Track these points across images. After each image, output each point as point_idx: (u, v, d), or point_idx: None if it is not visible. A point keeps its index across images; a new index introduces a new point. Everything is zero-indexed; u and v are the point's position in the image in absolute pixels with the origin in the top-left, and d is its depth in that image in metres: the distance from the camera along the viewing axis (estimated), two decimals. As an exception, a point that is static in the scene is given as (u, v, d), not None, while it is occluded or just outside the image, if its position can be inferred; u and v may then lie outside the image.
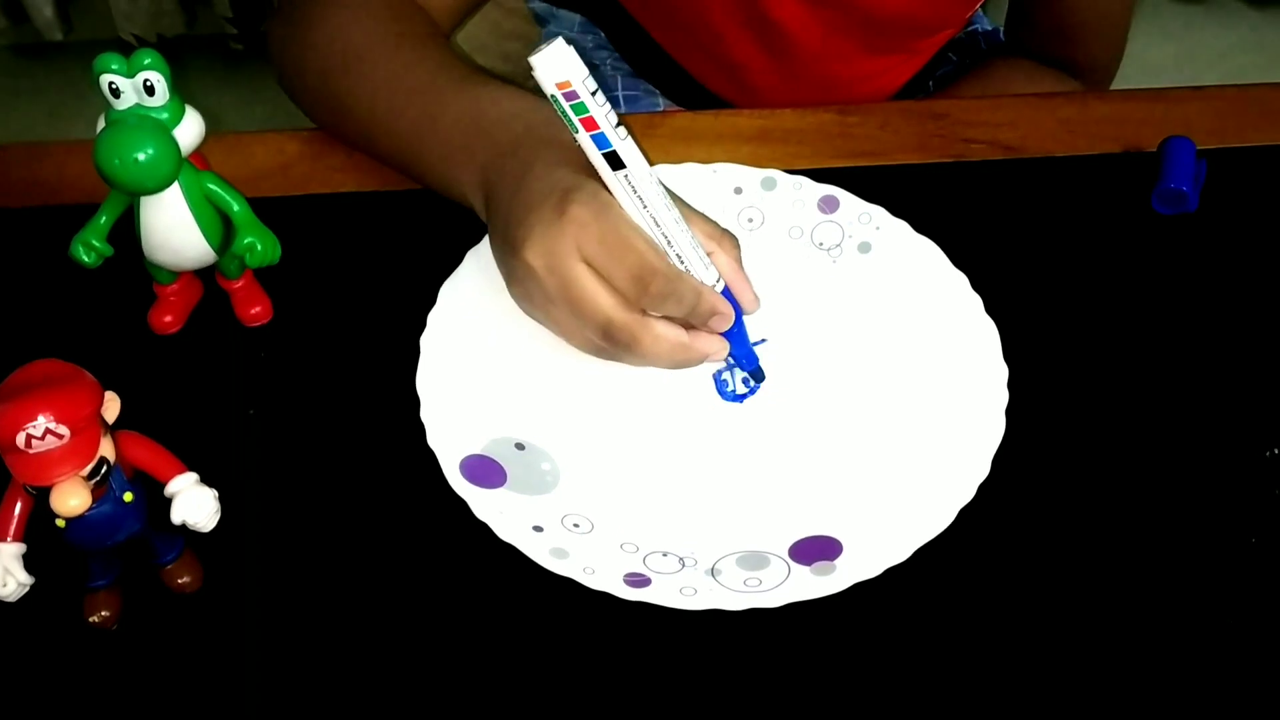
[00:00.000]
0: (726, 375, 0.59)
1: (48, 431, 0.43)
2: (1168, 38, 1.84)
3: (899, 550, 0.51)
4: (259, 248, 0.56)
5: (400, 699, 0.49)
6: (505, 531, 0.51)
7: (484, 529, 0.51)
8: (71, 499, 0.44)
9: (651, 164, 0.64)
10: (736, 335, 0.57)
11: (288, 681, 0.50)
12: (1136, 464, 0.57)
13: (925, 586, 0.52)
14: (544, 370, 0.59)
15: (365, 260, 0.64)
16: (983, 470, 0.53)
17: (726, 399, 0.58)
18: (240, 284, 0.61)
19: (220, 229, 0.57)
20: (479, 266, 0.60)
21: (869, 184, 0.65)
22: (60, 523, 0.46)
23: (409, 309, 0.59)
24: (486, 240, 0.61)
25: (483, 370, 0.57)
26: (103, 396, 0.45)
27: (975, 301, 0.60)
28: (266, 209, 0.58)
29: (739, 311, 0.57)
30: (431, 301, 0.59)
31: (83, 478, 0.45)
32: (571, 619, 0.51)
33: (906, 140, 0.70)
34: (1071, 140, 0.71)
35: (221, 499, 0.50)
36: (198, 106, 0.55)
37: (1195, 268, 0.65)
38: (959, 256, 0.62)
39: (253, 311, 0.61)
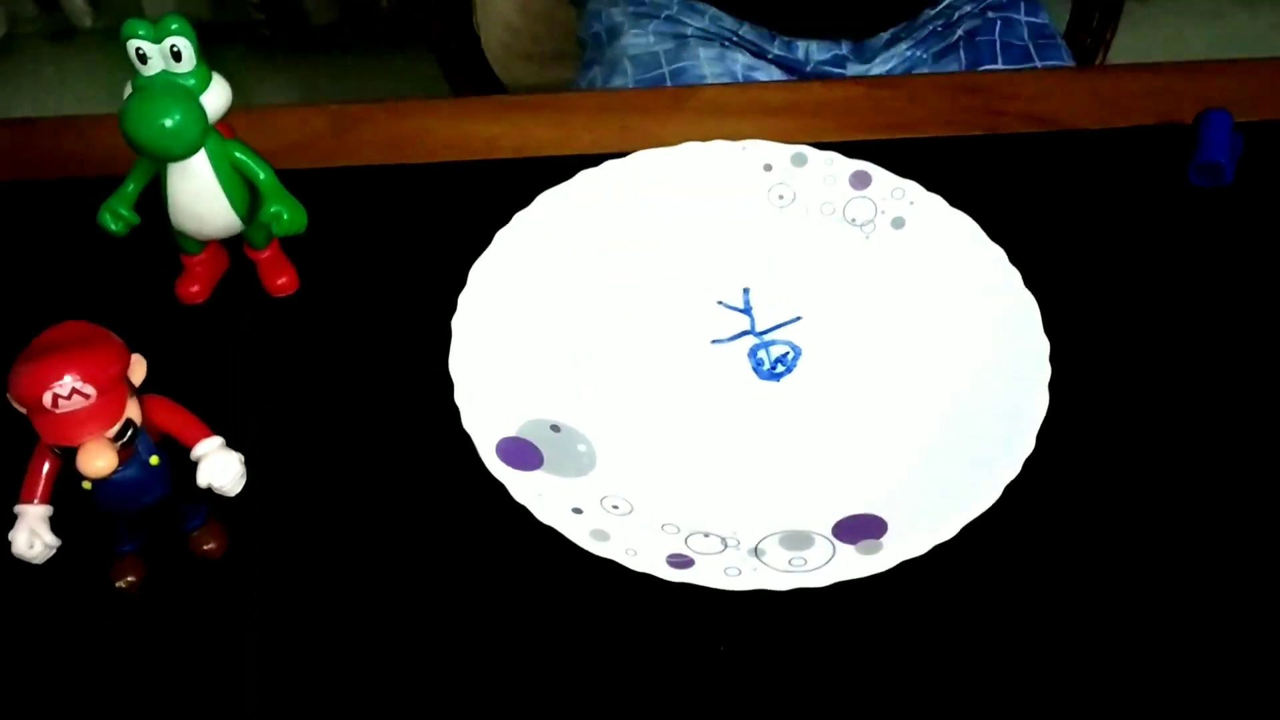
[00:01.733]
0: (762, 353, 0.58)
1: (74, 391, 0.43)
2: (1203, 21, 1.82)
3: (945, 528, 0.50)
4: (285, 216, 0.55)
5: (438, 683, 0.49)
6: (545, 514, 0.50)
7: (522, 512, 0.50)
8: (98, 460, 0.43)
9: (680, 140, 0.64)
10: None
11: (310, 656, 0.49)
12: (1180, 438, 0.56)
13: (973, 564, 0.51)
14: (578, 351, 0.58)
15: (394, 236, 0.64)
16: (1028, 445, 0.52)
17: (763, 378, 0.58)
18: (267, 254, 0.60)
19: (246, 198, 0.56)
20: (510, 247, 0.59)
21: (899, 157, 0.64)
22: (87, 485, 0.46)
23: (439, 289, 0.58)
24: (516, 220, 0.60)
25: (515, 352, 0.57)
26: (129, 358, 0.45)
27: (1014, 275, 0.59)
28: (293, 181, 0.57)
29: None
30: (462, 282, 0.58)
31: (109, 439, 0.44)
32: (615, 601, 0.50)
33: (937, 113, 0.69)
34: (1106, 113, 0.70)
35: (248, 467, 0.49)
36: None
37: (1231, 241, 0.64)
38: (994, 230, 0.61)
39: (279, 282, 0.60)
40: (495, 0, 1.18)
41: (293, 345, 0.59)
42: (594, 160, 0.63)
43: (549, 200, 0.61)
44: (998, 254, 0.60)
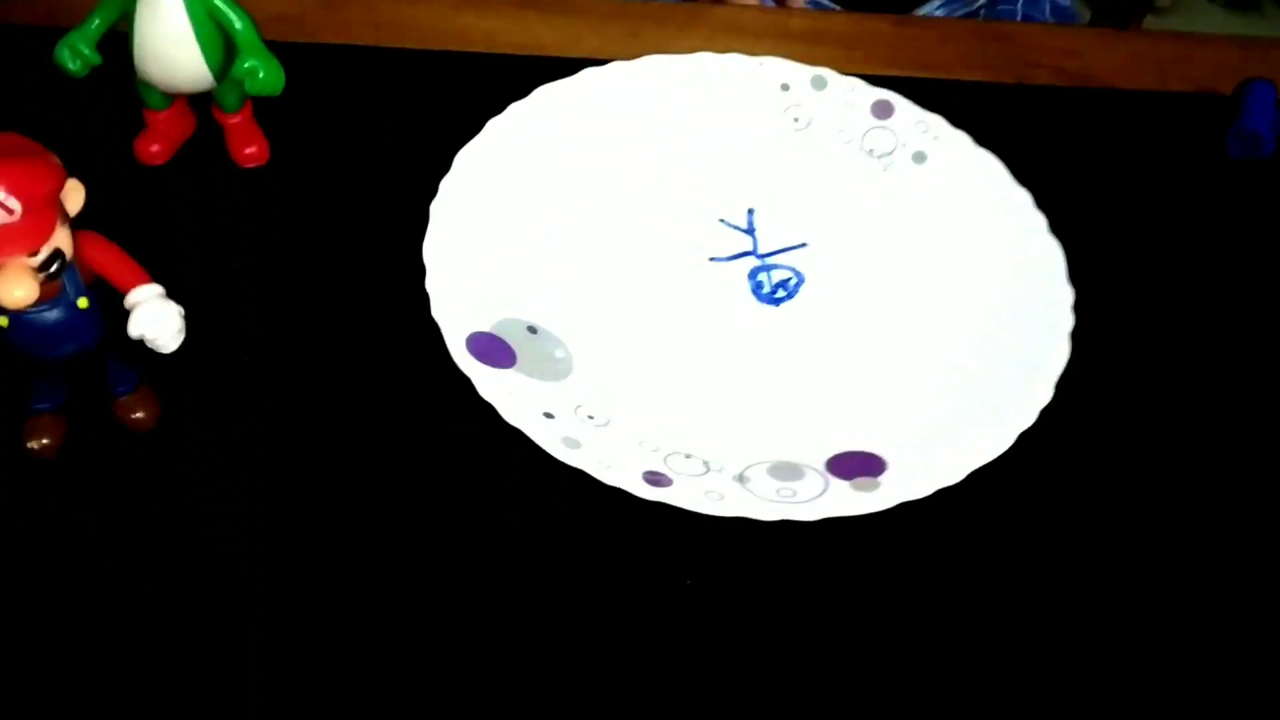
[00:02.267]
0: (763, 276, 0.54)
1: (-4, 202, 0.37)
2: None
3: (950, 471, 0.45)
4: (261, 73, 0.50)
5: (392, 590, 0.44)
6: (513, 415, 0.45)
7: (490, 411, 0.46)
8: (16, 289, 0.38)
9: (693, 51, 0.60)
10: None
11: (244, 548, 0.44)
12: (1203, 405, 0.52)
13: (976, 512, 0.47)
14: (565, 253, 0.53)
15: (377, 118, 0.59)
16: (1045, 394, 0.48)
17: (762, 301, 0.53)
18: (237, 119, 0.55)
19: (221, 50, 0.51)
20: (501, 137, 0.55)
21: (925, 96, 0.59)
22: (2, 320, 0.40)
23: (420, 175, 0.53)
24: (511, 110, 0.56)
25: (497, 245, 0.52)
26: (65, 180, 0.40)
27: (1039, 220, 0.54)
28: (274, 52, 0.52)
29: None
30: (445, 168, 0.53)
31: (32, 267, 0.39)
32: (584, 514, 0.46)
33: (967, 56, 0.65)
34: (1140, 75, 0.66)
35: (191, 331, 0.44)
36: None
37: (1267, 214, 0.60)
38: (1020, 177, 0.56)
39: (248, 151, 0.55)
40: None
41: (256, 219, 0.54)
42: (599, 64, 0.59)
43: (548, 94, 0.57)
44: (1024, 197, 0.55)
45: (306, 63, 0.58)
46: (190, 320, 0.44)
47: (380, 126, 0.59)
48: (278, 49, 0.53)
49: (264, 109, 0.56)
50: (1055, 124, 0.63)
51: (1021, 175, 0.56)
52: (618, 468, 0.45)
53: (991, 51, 0.66)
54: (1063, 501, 0.48)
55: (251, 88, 0.51)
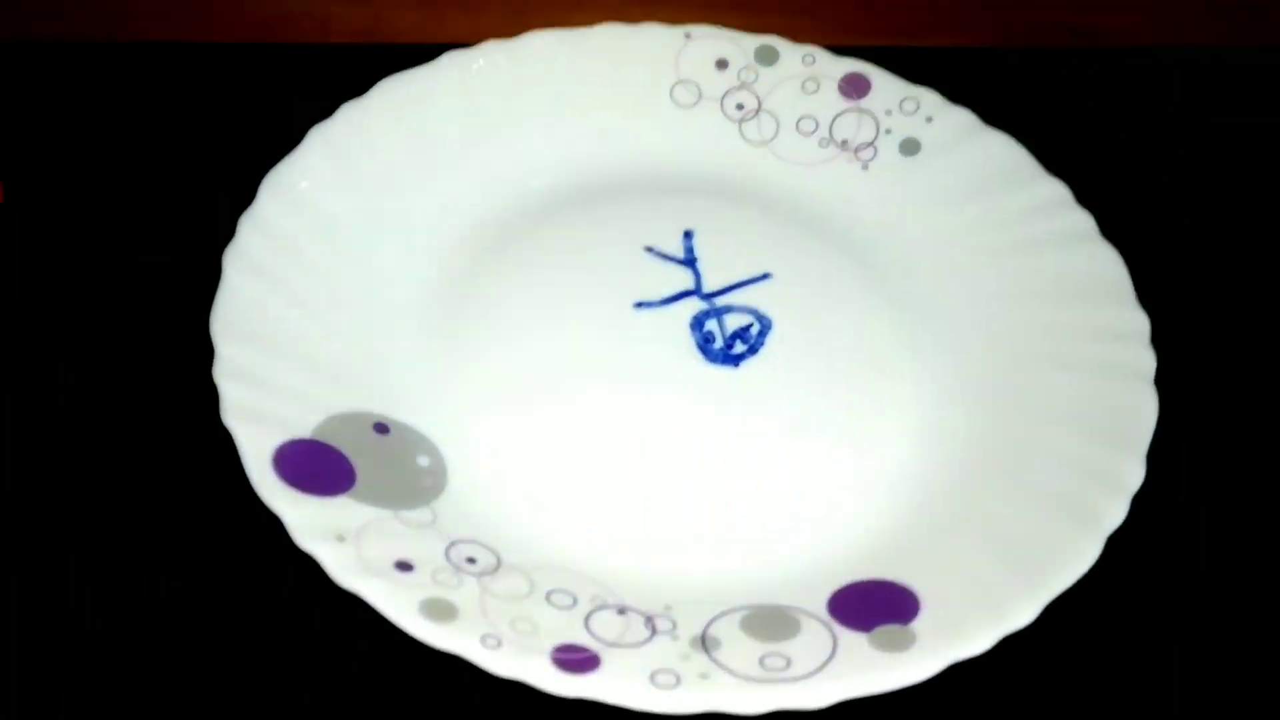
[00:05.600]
0: (712, 325, 0.38)
1: None
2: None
3: (1016, 606, 0.30)
4: None
5: None
6: (346, 572, 0.29)
7: (312, 566, 0.30)
8: None
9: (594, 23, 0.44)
10: None
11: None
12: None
13: (1062, 663, 0.32)
14: (426, 308, 0.37)
15: (157, 136, 0.43)
16: (1135, 474, 0.33)
17: (714, 360, 0.37)
18: None
19: None
20: (328, 151, 0.39)
21: (904, 68, 0.45)
22: None
23: (215, 211, 0.37)
24: (342, 113, 0.40)
25: (323, 307, 0.36)
26: None
27: (1085, 222, 0.39)
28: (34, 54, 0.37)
29: None
30: (248, 199, 0.37)
31: None
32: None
33: (951, 17, 0.51)
34: (1168, 31, 0.52)
35: None
36: None
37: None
38: (1046, 165, 0.42)
39: None
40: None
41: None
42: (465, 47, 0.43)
43: (393, 89, 0.41)
44: (1060, 192, 0.40)
45: (73, 64, 0.43)
46: None
47: (160, 145, 0.43)
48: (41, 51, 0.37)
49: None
50: (1078, 93, 0.48)
51: (1047, 161, 0.41)
52: (513, 645, 0.29)
53: (983, 8, 0.51)
54: (1169, 623, 0.33)
55: None
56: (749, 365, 0.37)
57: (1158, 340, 0.36)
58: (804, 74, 0.44)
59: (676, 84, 0.44)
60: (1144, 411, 0.34)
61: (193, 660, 0.31)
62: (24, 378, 0.36)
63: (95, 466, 0.34)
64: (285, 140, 0.39)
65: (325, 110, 0.40)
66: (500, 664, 0.28)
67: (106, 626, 0.31)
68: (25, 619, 0.31)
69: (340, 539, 0.30)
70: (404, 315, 0.37)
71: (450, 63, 0.42)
